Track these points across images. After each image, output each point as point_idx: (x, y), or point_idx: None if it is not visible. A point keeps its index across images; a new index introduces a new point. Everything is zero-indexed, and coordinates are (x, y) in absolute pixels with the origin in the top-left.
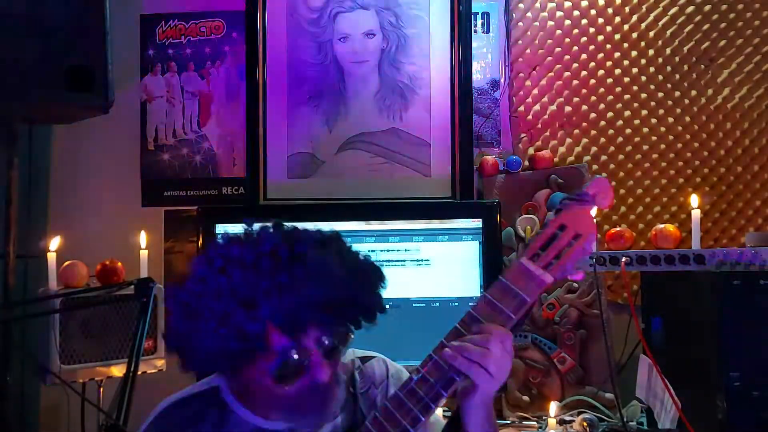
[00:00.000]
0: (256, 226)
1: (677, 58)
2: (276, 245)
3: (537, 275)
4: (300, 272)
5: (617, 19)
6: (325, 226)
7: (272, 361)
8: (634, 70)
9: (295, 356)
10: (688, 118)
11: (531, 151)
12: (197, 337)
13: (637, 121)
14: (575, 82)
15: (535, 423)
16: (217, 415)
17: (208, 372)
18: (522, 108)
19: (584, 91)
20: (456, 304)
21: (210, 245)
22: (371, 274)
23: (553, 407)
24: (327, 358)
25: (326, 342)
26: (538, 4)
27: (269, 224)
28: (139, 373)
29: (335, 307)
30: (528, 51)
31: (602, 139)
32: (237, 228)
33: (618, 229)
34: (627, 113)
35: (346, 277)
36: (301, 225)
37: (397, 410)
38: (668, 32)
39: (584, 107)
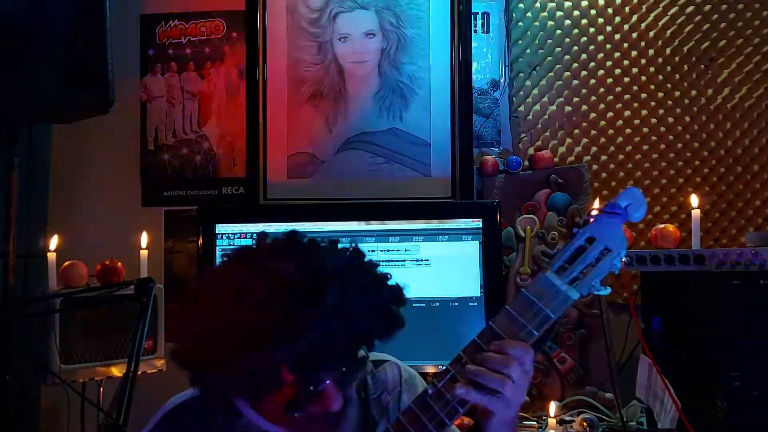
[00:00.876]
0: (270, 239)
1: (677, 58)
2: (292, 277)
3: (563, 291)
4: (316, 314)
5: (617, 19)
6: (325, 226)
7: (283, 392)
8: (634, 70)
9: (309, 389)
10: (688, 118)
11: (531, 151)
12: (206, 363)
13: (637, 121)
14: (575, 82)
15: (535, 423)
16: (224, 418)
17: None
18: (522, 108)
19: (584, 91)
20: (456, 304)
21: (223, 261)
22: (391, 301)
23: (553, 407)
24: (341, 386)
25: (341, 371)
26: (538, 4)
27: (283, 239)
28: (139, 373)
29: (353, 344)
30: (528, 51)
31: (602, 139)
32: (238, 228)
33: None
34: (627, 113)
35: (366, 313)
36: (311, 229)
37: (411, 425)
38: (668, 32)
39: (584, 107)
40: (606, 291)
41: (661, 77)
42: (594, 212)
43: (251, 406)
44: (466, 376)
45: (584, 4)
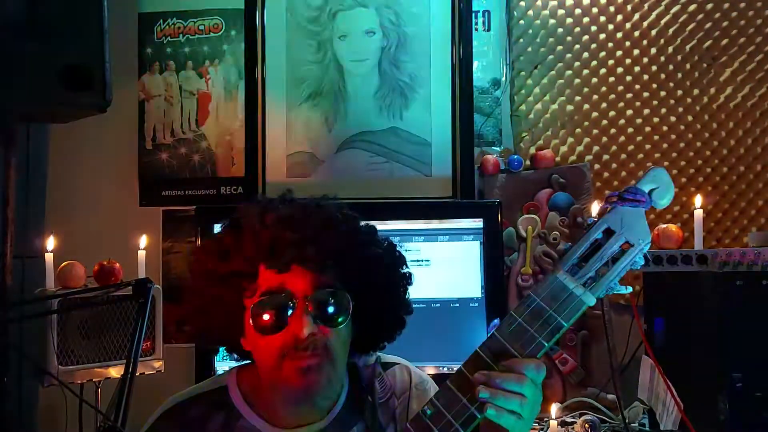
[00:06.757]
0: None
1: (679, 57)
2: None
3: (577, 295)
4: (288, 209)
5: (619, 17)
6: None
7: (258, 300)
8: (636, 68)
9: (279, 299)
10: (690, 117)
11: (532, 150)
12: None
13: (639, 120)
14: (577, 80)
15: (536, 424)
16: (223, 418)
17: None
18: (523, 107)
19: (586, 89)
20: (457, 304)
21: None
22: (364, 228)
23: (555, 408)
24: (315, 317)
25: (313, 295)
26: (539, 2)
27: None
28: (137, 374)
29: (321, 251)
30: (529, 49)
31: (604, 138)
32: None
33: None
34: (629, 112)
35: (338, 219)
36: None
37: None
38: (670, 30)
39: (586, 106)
40: (628, 289)
41: (663, 76)
42: (612, 199)
43: (248, 402)
44: (477, 397)
45: (586, 2)
